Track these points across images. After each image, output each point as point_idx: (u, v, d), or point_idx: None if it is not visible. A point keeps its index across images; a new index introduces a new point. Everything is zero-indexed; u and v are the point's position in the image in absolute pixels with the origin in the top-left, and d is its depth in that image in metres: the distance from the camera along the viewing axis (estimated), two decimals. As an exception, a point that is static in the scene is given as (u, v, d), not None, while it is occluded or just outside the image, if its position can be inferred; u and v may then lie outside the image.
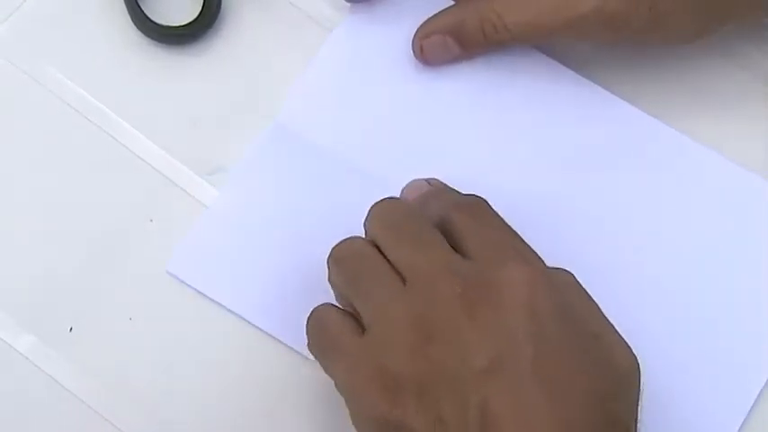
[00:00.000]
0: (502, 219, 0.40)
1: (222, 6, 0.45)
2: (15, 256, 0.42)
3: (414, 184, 0.43)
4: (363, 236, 0.40)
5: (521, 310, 0.35)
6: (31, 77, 0.44)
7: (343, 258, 0.39)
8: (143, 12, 0.44)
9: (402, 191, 0.43)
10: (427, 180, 0.44)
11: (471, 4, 0.45)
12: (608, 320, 0.37)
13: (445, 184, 0.43)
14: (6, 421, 0.40)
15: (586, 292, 0.37)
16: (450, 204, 0.40)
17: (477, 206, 0.40)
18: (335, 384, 0.37)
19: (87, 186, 0.43)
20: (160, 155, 0.43)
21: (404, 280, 0.37)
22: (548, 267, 0.38)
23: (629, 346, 0.36)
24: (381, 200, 0.40)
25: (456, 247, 0.38)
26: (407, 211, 0.40)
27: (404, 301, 0.36)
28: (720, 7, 0.43)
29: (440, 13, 0.45)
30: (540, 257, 0.38)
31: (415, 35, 0.45)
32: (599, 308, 0.37)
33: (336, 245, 0.39)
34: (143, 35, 0.45)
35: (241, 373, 0.41)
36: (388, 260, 0.38)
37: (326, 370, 0.38)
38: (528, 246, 0.39)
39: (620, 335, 0.37)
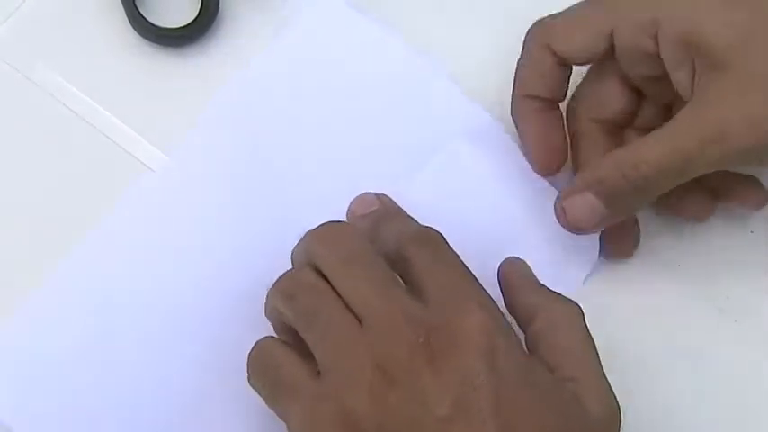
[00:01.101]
0: (457, 256, 0.39)
1: (220, 8, 0.45)
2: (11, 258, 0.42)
3: (363, 200, 0.43)
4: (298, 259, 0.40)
5: (480, 357, 0.35)
6: (27, 79, 0.44)
7: (294, 294, 0.38)
8: (140, 13, 0.44)
9: (350, 205, 0.43)
10: (377, 196, 0.44)
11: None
12: (593, 363, 0.37)
13: (396, 205, 0.43)
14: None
15: (577, 331, 0.38)
16: (407, 237, 0.39)
17: (435, 242, 0.39)
18: (288, 426, 0.37)
19: (85, 188, 0.43)
20: (159, 157, 0.44)
21: (359, 319, 0.37)
22: (558, 295, 0.39)
23: (610, 393, 0.37)
24: (328, 223, 0.40)
25: (410, 284, 0.38)
26: (359, 242, 0.39)
27: (363, 344, 0.36)
28: None
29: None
30: (494, 302, 0.38)
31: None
32: (587, 348, 0.38)
33: (284, 277, 0.39)
34: (141, 37, 0.45)
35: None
36: (339, 294, 0.38)
37: (276, 409, 0.37)
38: (482, 289, 0.38)
39: (604, 380, 0.37)
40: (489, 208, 0.45)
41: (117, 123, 0.44)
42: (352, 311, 0.37)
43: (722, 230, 0.45)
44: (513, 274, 0.41)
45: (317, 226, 0.40)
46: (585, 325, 0.39)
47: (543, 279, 0.41)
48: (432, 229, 0.40)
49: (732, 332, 0.44)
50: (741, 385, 0.43)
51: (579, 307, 0.39)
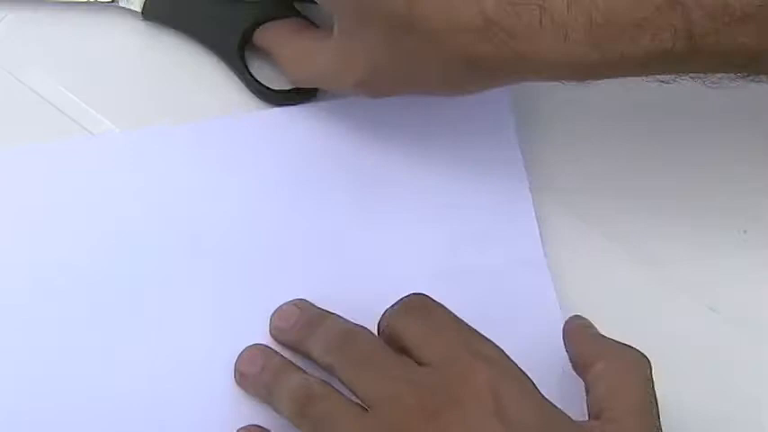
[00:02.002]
0: (446, 311, 0.39)
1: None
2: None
3: (282, 312, 0.43)
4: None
5: (490, 415, 0.35)
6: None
7: (304, 406, 0.39)
8: (253, 76, 0.48)
9: (271, 320, 0.44)
10: (295, 304, 0.44)
11: None
12: (642, 408, 0.38)
13: (311, 304, 0.43)
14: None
15: (637, 377, 0.38)
16: (395, 311, 0.39)
17: (421, 307, 0.40)
18: None
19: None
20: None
21: (367, 407, 0.37)
22: (625, 345, 0.39)
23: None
24: (319, 317, 0.42)
25: (410, 355, 0.38)
26: (360, 333, 0.40)
27: (372, 429, 0.37)
28: None
29: None
30: (497, 346, 0.38)
31: None
32: (642, 395, 0.38)
33: (294, 389, 0.39)
34: (252, 95, 0.48)
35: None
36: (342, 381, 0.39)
37: None
38: (482, 337, 0.38)
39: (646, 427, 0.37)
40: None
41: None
42: (359, 401, 0.38)
43: (715, 230, 0.47)
44: (576, 327, 0.41)
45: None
46: (649, 374, 0.38)
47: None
48: (417, 293, 0.40)
49: (724, 332, 0.46)
50: (733, 383, 0.45)
51: (646, 358, 0.39)
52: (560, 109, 0.49)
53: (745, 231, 0.48)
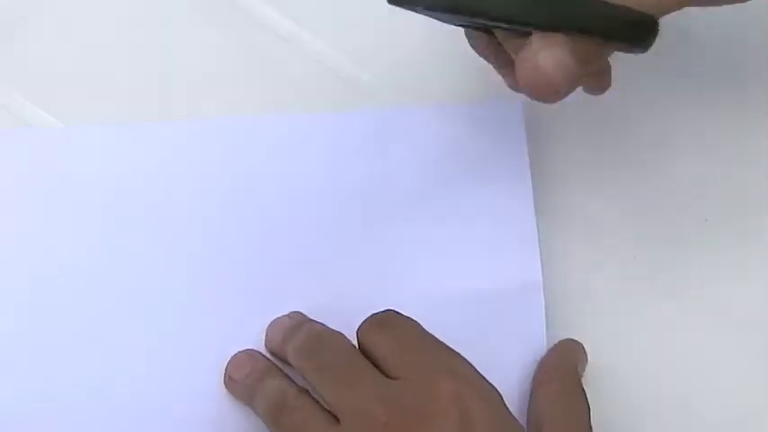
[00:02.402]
0: (416, 325, 0.40)
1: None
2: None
3: (275, 323, 0.44)
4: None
5: (455, 427, 0.36)
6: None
7: (278, 414, 0.40)
8: None
9: (266, 332, 0.44)
10: (289, 315, 0.44)
11: None
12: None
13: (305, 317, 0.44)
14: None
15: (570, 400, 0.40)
16: (366, 326, 0.40)
17: (390, 322, 0.40)
18: None
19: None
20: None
21: (335, 415, 0.38)
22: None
23: None
24: (299, 328, 0.42)
25: (380, 368, 0.39)
26: (333, 338, 0.40)
27: None
28: None
29: None
30: (466, 361, 0.38)
31: None
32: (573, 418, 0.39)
33: (270, 396, 0.40)
34: None
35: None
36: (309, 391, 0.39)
37: None
38: (450, 351, 0.39)
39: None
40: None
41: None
42: (330, 411, 0.38)
43: (675, 219, 0.47)
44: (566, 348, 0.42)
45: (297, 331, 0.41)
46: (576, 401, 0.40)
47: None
48: (388, 310, 0.41)
49: (691, 320, 0.46)
50: (698, 369, 0.45)
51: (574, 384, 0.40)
52: (571, 126, 0.50)
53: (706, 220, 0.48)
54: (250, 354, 0.43)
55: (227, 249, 0.46)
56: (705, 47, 0.50)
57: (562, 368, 0.42)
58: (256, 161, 0.48)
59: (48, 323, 0.45)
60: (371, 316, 0.40)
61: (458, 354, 0.39)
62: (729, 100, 0.50)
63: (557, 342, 0.44)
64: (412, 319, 0.40)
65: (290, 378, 0.42)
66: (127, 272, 0.46)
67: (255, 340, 0.45)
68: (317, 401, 0.39)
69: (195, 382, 0.44)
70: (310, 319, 0.44)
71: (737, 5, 0.40)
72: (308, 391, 0.40)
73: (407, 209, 0.47)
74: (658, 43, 0.39)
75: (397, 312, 0.40)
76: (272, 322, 0.44)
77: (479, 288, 0.46)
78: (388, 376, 0.38)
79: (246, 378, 0.43)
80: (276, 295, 0.45)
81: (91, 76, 0.50)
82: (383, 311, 0.41)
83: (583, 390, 0.41)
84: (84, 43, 0.51)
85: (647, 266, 0.47)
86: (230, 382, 0.43)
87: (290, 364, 0.42)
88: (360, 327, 0.40)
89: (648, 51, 0.39)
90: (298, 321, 0.43)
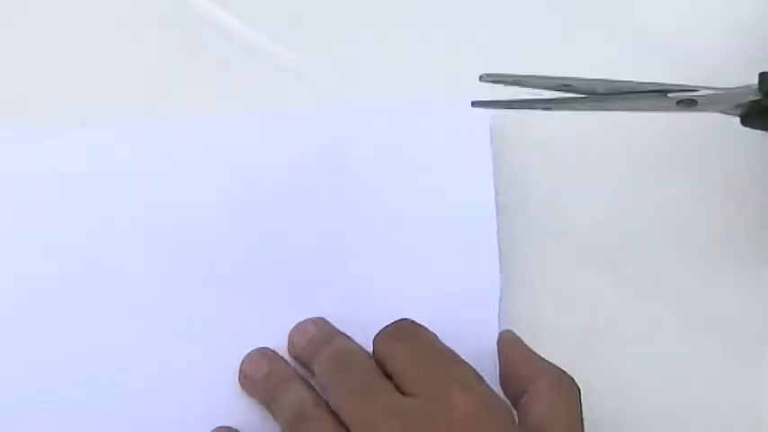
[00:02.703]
0: (433, 338, 0.40)
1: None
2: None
3: (300, 329, 0.44)
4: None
5: None
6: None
7: (296, 424, 0.39)
8: None
9: (290, 336, 0.44)
10: (314, 321, 0.44)
11: None
12: None
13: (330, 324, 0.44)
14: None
15: (566, 407, 0.38)
16: (383, 335, 0.40)
17: (409, 333, 0.40)
18: None
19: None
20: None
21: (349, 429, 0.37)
22: (553, 364, 0.39)
23: None
24: (327, 342, 0.42)
25: (395, 380, 0.38)
26: (358, 357, 0.40)
27: None
28: None
29: None
30: (479, 375, 0.38)
31: None
32: (575, 423, 0.38)
33: (290, 405, 0.40)
34: None
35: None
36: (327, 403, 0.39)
37: None
38: (465, 366, 0.38)
39: None
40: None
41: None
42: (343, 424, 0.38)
43: (662, 217, 0.47)
44: (511, 342, 0.41)
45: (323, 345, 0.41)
46: (580, 398, 0.38)
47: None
48: (403, 319, 0.40)
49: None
50: (678, 365, 0.45)
51: (570, 380, 0.39)
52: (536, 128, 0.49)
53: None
54: (267, 354, 0.44)
55: (217, 249, 0.47)
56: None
57: (535, 363, 0.41)
58: (231, 160, 0.48)
59: (50, 324, 0.45)
60: (388, 326, 0.40)
61: (472, 368, 0.39)
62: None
63: (501, 337, 0.43)
64: (428, 330, 0.40)
65: (308, 385, 0.42)
66: (127, 272, 0.46)
67: (266, 336, 0.45)
68: (335, 413, 0.39)
69: (200, 383, 0.44)
70: (339, 332, 0.44)
71: None
72: (326, 402, 0.40)
73: (365, 207, 0.47)
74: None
75: (413, 322, 0.40)
76: (295, 326, 0.44)
77: (436, 290, 0.45)
78: (402, 390, 0.38)
79: (266, 380, 0.43)
80: (247, 296, 0.46)
81: (46, 78, 0.51)
82: (399, 321, 0.40)
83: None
84: (42, 45, 0.51)
85: (616, 269, 0.47)
86: (246, 380, 0.43)
87: (308, 369, 0.42)
88: (376, 336, 0.40)
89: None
90: (327, 332, 0.43)
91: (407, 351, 0.39)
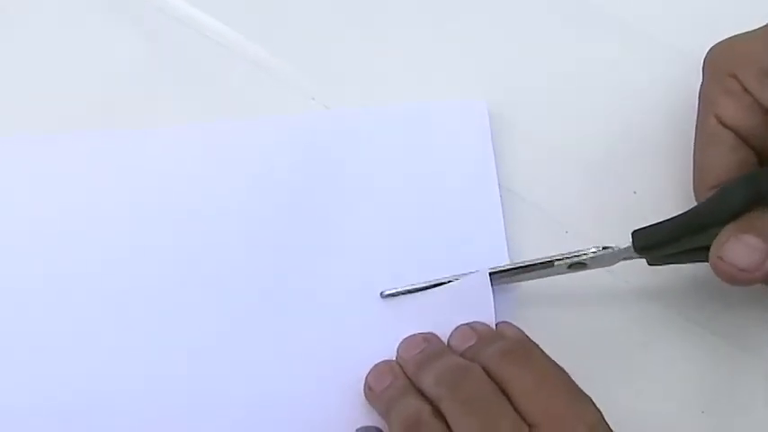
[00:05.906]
0: (546, 358, 0.40)
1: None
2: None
3: (409, 341, 0.44)
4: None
5: None
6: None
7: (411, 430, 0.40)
8: None
9: (398, 349, 0.44)
10: (424, 336, 0.44)
11: None
12: None
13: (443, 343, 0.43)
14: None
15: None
16: (498, 354, 0.40)
17: (523, 353, 0.40)
18: None
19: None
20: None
21: None
22: None
23: None
24: (439, 356, 0.42)
25: (511, 402, 0.38)
26: (475, 373, 0.40)
27: None
28: None
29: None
30: (597, 408, 0.38)
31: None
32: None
33: (408, 416, 0.40)
34: None
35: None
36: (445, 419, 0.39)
37: None
38: (584, 398, 0.38)
39: None
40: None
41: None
42: None
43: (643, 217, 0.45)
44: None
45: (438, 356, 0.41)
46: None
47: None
48: (521, 341, 0.41)
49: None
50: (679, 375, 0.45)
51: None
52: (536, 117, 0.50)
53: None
54: (391, 366, 0.43)
55: (217, 254, 0.47)
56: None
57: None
58: (234, 167, 0.48)
59: (50, 328, 0.45)
60: (500, 343, 0.41)
61: (590, 400, 0.39)
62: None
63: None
64: (539, 348, 0.41)
65: (424, 398, 0.41)
66: (125, 278, 0.46)
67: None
68: (449, 427, 0.39)
69: (200, 384, 0.44)
70: (444, 345, 0.44)
71: None
72: (442, 415, 0.40)
73: (367, 209, 0.47)
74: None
75: (524, 336, 0.41)
76: (405, 340, 0.44)
77: (438, 290, 0.45)
78: (522, 416, 0.38)
79: (386, 391, 0.43)
80: (247, 297, 0.46)
81: (28, 85, 0.51)
82: (513, 341, 0.41)
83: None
84: (25, 53, 0.51)
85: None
86: (370, 392, 0.43)
87: (419, 388, 0.42)
88: (489, 353, 0.40)
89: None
90: (437, 347, 0.43)
91: (528, 376, 0.39)
